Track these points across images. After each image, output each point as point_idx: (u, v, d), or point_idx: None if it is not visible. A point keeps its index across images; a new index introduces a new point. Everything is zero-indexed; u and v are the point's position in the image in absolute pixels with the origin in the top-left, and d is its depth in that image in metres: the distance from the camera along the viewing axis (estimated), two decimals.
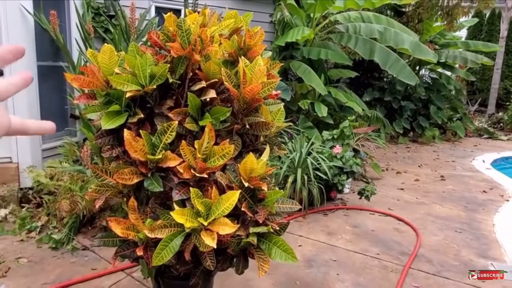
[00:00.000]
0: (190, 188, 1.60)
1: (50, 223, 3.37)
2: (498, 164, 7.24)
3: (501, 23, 12.25)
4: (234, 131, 1.83)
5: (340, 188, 4.37)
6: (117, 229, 1.68)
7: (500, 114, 11.74)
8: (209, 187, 1.69)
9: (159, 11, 5.17)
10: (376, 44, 5.83)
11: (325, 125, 5.91)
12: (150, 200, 1.81)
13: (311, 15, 6.19)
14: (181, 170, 1.64)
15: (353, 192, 4.83)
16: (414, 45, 5.85)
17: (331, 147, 4.57)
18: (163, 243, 1.58)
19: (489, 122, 11.31)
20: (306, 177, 4.08)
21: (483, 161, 7.22)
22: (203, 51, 1.78)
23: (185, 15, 1.95)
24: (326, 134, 4.96)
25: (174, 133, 1.71)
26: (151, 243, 1.73)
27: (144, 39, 4.12)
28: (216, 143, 1.74)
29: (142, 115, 1.77)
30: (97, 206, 1.73)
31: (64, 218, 3.29)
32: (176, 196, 1.65)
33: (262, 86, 1.73)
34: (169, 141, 1.71)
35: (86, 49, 4.05)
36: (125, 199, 1.87)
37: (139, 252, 1.67)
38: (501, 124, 11.23)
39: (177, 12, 5.34)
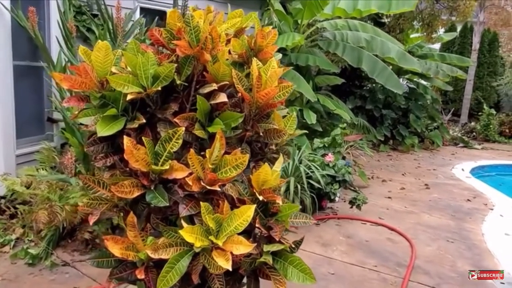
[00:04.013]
0: (201, 203, 1.44)
1: (26, 236, 3.08)
2: (476, 173, 7.40)
3: (473, 37, 12.71)
4: (245, 138, 1.68)
5: (332, 197, 4.28)
6: (115, 249, 1.48)
7: (473, 123, 12.12)
8: (219, 201, 1.53)
9: (144, 12, 4.95)
10: (364, 52, 5.83)
11: (312, 132, 5.83)
12: (151, 215, 1.62)
13: (299, 21, 6.14)
14: (190, 182, 1.47)
15: (343, 201, 4.76)
16: (399, 54, 5.89)
17: (323, 155, 4.48)
18: (169, 265, 1.41)
19: (463, 131, 11.65)
20: (299, 186, 3.97)
21: (462, 170, 7.36)
22: (213, 50, 1.62)
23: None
24: (317, 142, 4.88)
25: (180, 141, 1.54)
26: (151, 264, 1.54)
27: (129, 40, 3.90)
28: (225, 152, 1.58)
29: (144, 120, 1.59)
30: (91, 223, 1.53)
31: (41, 230, 3.01)
32: (183, 211, 1.48)
33: (279, 90, 1.60)
34: (174, 149, 1.54)
35: (68, 48, 3.80)
36: (121, 213, 1.67)
37: (140, 275, 1.48)
38: (474, 134, 11.59)
39: (162, 13, 5.14)
